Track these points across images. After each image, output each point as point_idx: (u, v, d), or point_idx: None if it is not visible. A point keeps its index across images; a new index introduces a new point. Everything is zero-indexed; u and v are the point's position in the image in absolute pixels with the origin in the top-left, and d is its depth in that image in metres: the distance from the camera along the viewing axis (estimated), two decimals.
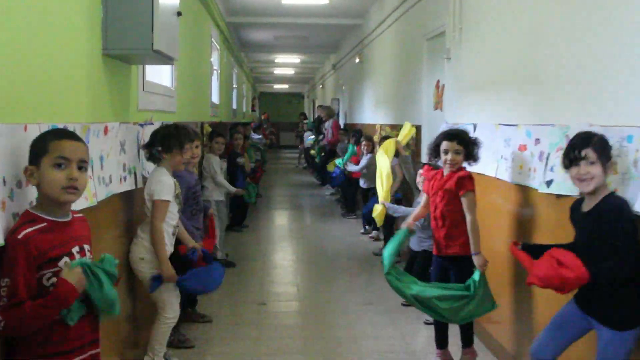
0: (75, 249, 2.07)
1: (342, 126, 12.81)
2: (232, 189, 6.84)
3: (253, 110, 23.43)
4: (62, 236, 2.03)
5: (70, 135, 2.09)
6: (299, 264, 6.90)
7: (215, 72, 8.42)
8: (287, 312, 5.19)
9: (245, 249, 7.57)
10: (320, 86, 20.26)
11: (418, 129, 6.55)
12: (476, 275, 3.52)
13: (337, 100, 14.65)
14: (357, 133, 9.75)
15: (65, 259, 2.01)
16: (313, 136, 13.64)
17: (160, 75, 4.88)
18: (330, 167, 10.94)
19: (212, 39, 8.43)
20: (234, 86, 13.08)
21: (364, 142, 8.34)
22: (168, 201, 3.49)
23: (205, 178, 6.67)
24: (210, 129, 7.33)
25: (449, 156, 3.68)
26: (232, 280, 6.07)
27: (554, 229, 3.22)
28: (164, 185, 3.49)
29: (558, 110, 3.31)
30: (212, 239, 4.49)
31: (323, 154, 12.84)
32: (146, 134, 3.85)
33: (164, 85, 4.85)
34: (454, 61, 5.28)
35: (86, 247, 2.14)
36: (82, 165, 2.05)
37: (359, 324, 4.84)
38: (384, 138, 7.16)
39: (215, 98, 8.78)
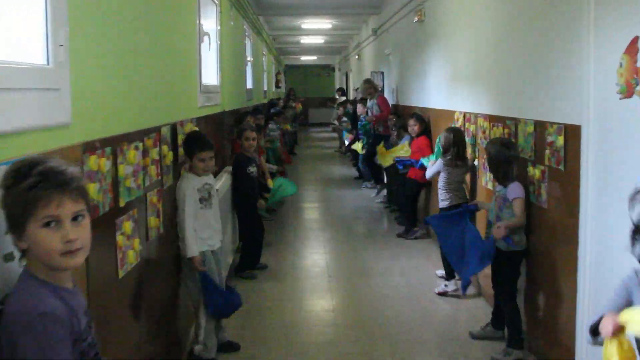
0: None
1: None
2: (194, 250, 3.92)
3: (277, 86, 20.43)
4: None
5: None
6: None
7: (207, 38, 5.40)
8: None
9: (256, 334, 4.62)
10: (356, 57, 17.07)
11: (571, 130, 3.49)
12: None
13: (379, 73, 11.54)
14: (419, 118, 6.87)
15: None
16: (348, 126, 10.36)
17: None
18: (384, 160, 8.02)
19: None
20: (248, 59, 10.05)
21: (446, 136, 5.34)
22: None
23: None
24: (195, 129, 4.42)
25: None
26: None
27: None
28: None
29: None
30: None
31: (364, 137, 9.84)
32: None
33: None
34: None
35: None
36: None
37: None
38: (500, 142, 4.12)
39: (210, 78, 5.80)
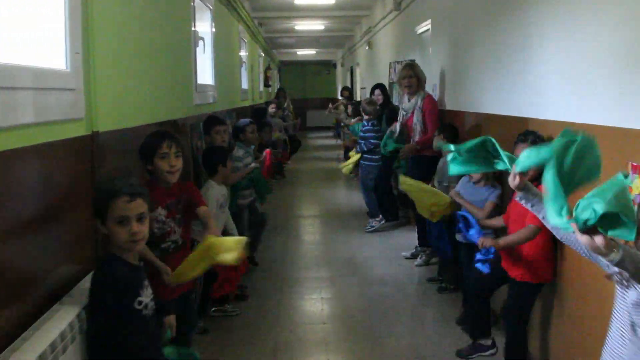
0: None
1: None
2: None
3: (267, 85, 16.76)
4: None
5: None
6: None
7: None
8: None
9: None
10: (366, 46, 13.35)
11: None
12: None
13: (408, 64, 7.83)
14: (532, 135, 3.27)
15: None
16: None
17: None
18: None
19: None
20: (201, 37, 6.29)
21: None
22: None
23: None
24: None
25: None
26: None
27: None
28: None
29: None
30: None
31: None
32: None
33: None
34: None
35: None
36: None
37: None
38: None
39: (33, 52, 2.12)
